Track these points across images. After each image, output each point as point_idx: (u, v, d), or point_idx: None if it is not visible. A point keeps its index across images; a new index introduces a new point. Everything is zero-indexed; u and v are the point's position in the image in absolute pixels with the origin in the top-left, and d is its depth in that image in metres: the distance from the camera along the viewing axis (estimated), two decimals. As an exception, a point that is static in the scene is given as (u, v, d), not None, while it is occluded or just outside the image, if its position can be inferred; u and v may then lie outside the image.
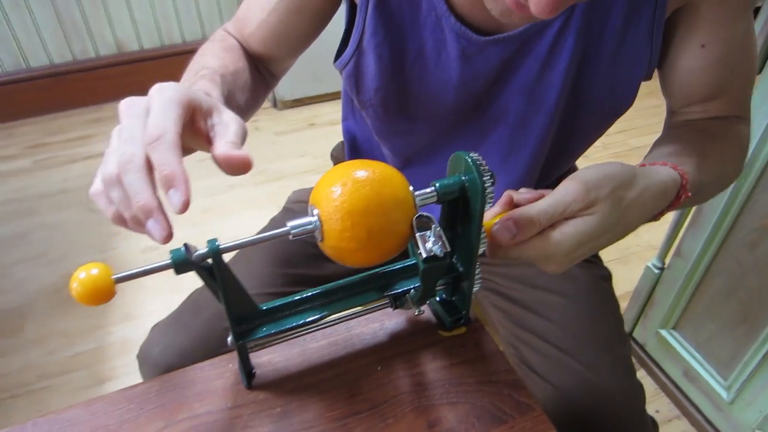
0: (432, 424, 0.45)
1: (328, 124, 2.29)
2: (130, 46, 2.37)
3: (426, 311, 0.54)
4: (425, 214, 0.41)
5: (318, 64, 2.10)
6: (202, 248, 0.38)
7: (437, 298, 0.53)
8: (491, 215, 0.48)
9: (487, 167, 0.42)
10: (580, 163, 0.72)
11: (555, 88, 0.62)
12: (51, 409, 1.34)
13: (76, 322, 1.55)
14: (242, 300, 0.42)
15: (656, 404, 1.32)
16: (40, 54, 2.26)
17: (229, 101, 0.56)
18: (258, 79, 0.69)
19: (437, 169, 0.75)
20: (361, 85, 0.68)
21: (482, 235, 0.45)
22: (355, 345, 0.51)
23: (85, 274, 0.35)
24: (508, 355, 0.80)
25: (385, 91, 0.66)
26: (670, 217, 1.21)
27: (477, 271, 0.48)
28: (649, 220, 0.53)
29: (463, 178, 0.43)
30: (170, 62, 2.44)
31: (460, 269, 0.48)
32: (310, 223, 0.39)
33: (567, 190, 0.46)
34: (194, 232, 1.83)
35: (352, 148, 0.89)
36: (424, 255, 0.39)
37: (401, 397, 0.47)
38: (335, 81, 1.47)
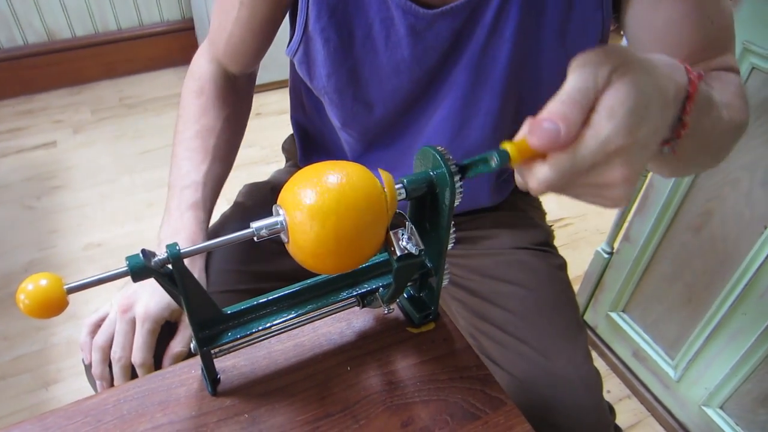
0: (405, 423, 0.44)
1: (276, 114, 2.25)
2: (62, 34, 2.25)
3: (394, 308, 0.53)
4: (398, 211, 0.40)
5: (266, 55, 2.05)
6: (161, 253, 0.35)
7: (405, 295, 0.52)
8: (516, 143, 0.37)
9: (455, 161, 0.41)
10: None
11: (502, 59, 0.61)
12: (-6, 415, 1.28)
13: (16, 323, 1.48)
14: (205, 305, 0.40)
15: (607, 384, 1.36)
16: (-38, 42, 2.12)
17: (220, 186, 0.75)
18: (236, 119, 0.78)
19: (399, 150, 0.74)
20: (313, 71, 0.67)
21: (451, 231, 0.44)
22: (323, 345, 0.49)
23: (33, 286, 0.32)
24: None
25: (337, 75, 0.65)
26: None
27: (446, 267, 0.47)
28: (673, 129, 0.42)
29: (432, 173, 0.42)
30: (105, 50, 2.32)
31: (429, 265, 0.47)
32: (276, 224, 0.37)
33: (581, 62, 0.37)
34: (140, 227, 1.77)
35: (304, 141, 0.87)
36: (398, 253, 0.38)
37: (373, 396, 0.46)
38: (282, 69, 1.44)
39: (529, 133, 0.35)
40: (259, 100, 2.31)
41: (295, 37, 0.65)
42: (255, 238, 0.38)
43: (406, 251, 0.38)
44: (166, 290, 0.37)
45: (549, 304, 0.74)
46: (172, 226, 0.68)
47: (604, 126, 0.35)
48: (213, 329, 0.42)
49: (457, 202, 0.42)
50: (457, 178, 0.40)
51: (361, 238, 0.37)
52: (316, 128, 0.84)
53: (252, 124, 0.85)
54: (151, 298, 0.62)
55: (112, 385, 0.63)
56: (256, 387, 0.46)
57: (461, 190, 0.41)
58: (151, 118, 2.23)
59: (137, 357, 0.60)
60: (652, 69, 0.38)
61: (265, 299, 0.43)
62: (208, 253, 0.74)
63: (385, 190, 0.39)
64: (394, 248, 0.38)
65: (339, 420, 0.44)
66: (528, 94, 0.66)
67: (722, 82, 0.56)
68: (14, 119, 2.21)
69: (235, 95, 0.78)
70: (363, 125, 0.72)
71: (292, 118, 0.88)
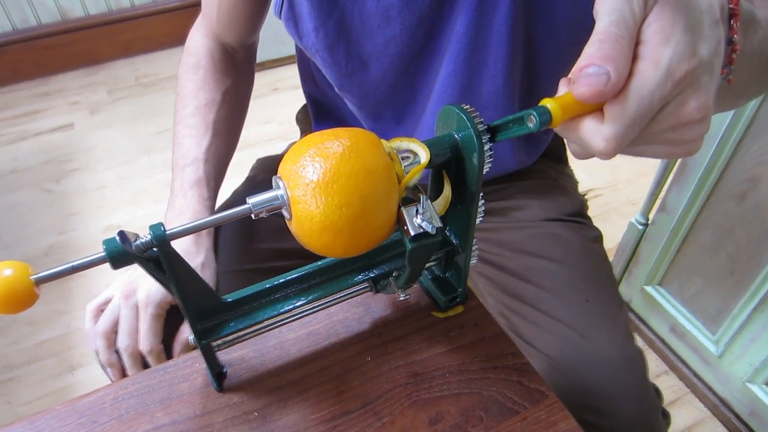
0: (434, 420, 0.39)
1: (293, 88, 2.19)
2: (75, 13, 2.21)
3: (417, 290, 0.48)
4: (419, 183, 0.35)
5: (278, 26, 1.98)
6: (144, 235, 0.31)
7: (429, 276, 0.47)
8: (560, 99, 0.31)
9: (482, 120, 0.35)
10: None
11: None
12: (20, 400, 1.29)
13: (39, 309, 1.48)
14: (201, 292, 0.35)
15: (643, 361, 1.31)
16: (-25, 25, 2.10)
17: (224, 164, 0.72)
18: (236, 93, 0.75)
19: (410, 117, 0.69)
20: (300, 28, 0.63)
21: (480, 202, 0.39)
22: (339, 333, 0.45)
23: (-5, 277, 0.28)
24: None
25: (325, 28, 0.60)
26: (652, 172, 1.17)
27: (473, 243, 0.42)
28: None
29: (456, 135, 0.37)
30: (120, 28, 2.28)
31: (455, 242, 0.42)
32: (275, 198, 0.32)
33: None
34: (159, 208, 1.74)
35: (318, 112, 0.82)
36: (412, 232, 0.33)
37: (396, 390, 0.41)
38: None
39: (575, 84, 0.30)
40: (276, 75, 2.25)
41: None
42: (252, 216, 0.33)
43: (421, 230, 0.33)
44: (154, 278, 0.32)
45: (585, 280, 0.69)
46: (177, 207, 0.65)
47: (661, 53, 0.29)
48: (212, 320, 0.37)
49: (486, 168, 0.36)
50: (485, 139, 0.34)
51: (375, 216, 0.32)
52: (329, 99, 0.80)
53: (269, 100, 0.82)
54: (154, 281, 0.58)
55: (124, 371, 0.60)
56: (267, 381, 0.42)
57: (491, 153, 0.35)
58: (168, 97, 2.19)
59: (144, 344, 0.57)
60: None
61: (270, 284, 0.39)
62: (215, 232, 0.70)
63: (405, 156, 0.34)
64: (407, 227, 0.33)
65: (359, 418, 0.39)
66: (540, 33, 0.59)
67: None
68: (31, 102, 2.19)
69: (234, 69, 0.76)
70: (361, 87, 0.67)
71: (304, 90, 0.84)
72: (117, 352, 0.59)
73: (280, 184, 0.33)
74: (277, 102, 2.11)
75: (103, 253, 0.30)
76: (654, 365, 1.30)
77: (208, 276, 0.64)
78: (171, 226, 0.31)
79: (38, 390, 1.32)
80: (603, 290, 0.69)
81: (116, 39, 2.31)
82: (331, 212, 0.31)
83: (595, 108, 0.31)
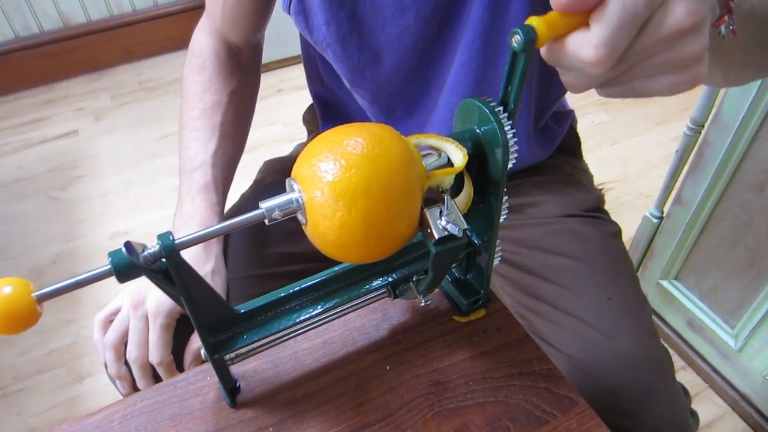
0: (458, 431, 0.37)
1: (297, 89, 2.17)
2: (77, 19, 2.20)
3: (437, 294, 0.46)
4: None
5: (281, 26, 1.98)
6: (151, 246, 0.29)
7: (449, 278, 0.45)
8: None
9: (506, 114, 0.33)
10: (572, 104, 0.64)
11: None
12: (30, 411, 1.28)
13: (48, 318, 1.47)
14: (213, 304, 0.33)
15: (661, 357, 1.29)
16: (-22, 34, 2.09)
17: (232, 167, 0.71)
18: (242, 94, 0.74)
19: (424, 111, 0.68)
20: (311, 22, 0.61)
21: (504, 199, 0.37)
22: (357, 341, 0.43)
23: (-5, 295, 0.26)
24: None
25: (337, 21, 0.59)
26: (664, 164, 1.15)
27: (497, 243, 0.40)
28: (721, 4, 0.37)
29: (478, 130, 0.35)
30: (122, 33, 2.27)
31: (477, 242, 0.40)
32: (290, 203, 0.30)
33: None
34: (165, 213, 1.73)
35: (325, 110, 0.81)
36: (436, 235, 0.31)
37: (418, 401, 0.39)
38: (301, 42, 1.37)
39: None
40: (279, 76, 2.24)
41: None
42: (266, 221, 0.31)
43: (446, 233, 0.31)
44: (163, 290, 0.31)
45: (606, 276, 0.67)
46: (185, 212, 0.64)
47: None
48: (225, 332, 0.35)
49: (511, 164, 0.34)
50: (510, 134, 0.32)
51: (398, 220, 0.30)
52: (336, 98, 0.78)
53: (273, 101, 0.80)
54: None
55: (133, 383, 0.58)
56: (282, 394, 0.40)
57: (516, 149, 0.33)
58: (172, 101, 2.18)
59: (154, 356, 0.56)
60: None
61: (285, 293, 0.37)
62: (225, 238, 0.68)
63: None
64: (431, 230, 0.31)
65: (380, 430, 0.38)
66: None
67: None
68: (36, 109, 2.19)
69: (240, 70, 0.74)
70: (374, 81, 0.65)
71: (310, 90, 0.82)
72: (126, 363, 0.58)
73: (295, 186, 0.31)
74: (281, 103, 2.09)
75: (109, 266, 0.28)
76: (671, 361, 1.28)
77: (218, 283, 0.63)
78: (179, 233, 0.30)
79: (48, 400, 1.31)
80: (625, 287, 0.67)
81: (119, 44, 2.30)
82: (351, 217, 0.29)
83: (580, 24, 0.29)
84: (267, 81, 2.23)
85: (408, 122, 0.69)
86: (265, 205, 0.30)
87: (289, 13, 0.63)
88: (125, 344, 0.58)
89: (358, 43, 0.61)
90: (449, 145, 0.34)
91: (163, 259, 0.29)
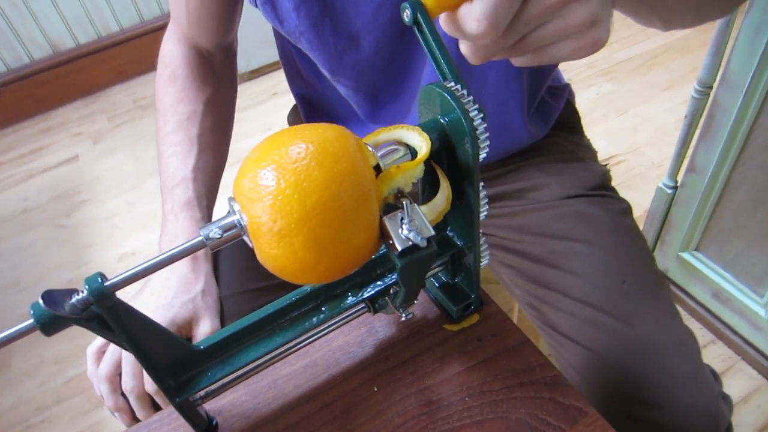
0: (456, 456, 0.34)
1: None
2: (65, 44, 2.19)
3: (424, 301, 0.42)
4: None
5: (268, 29, 1.94)
6: (79, 292, 0.25)
7: (436, 283, 0.41)
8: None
9: (471, 98, 0.30)
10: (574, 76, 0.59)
11: None
12: (55, 440, 1.29)
13: (64, 346, 1.48)
14: (167, 344, 0.30)
15: (688, 332, 1.24)
16: (-30, 69, 2.09)
17: (215, 179, 0.68)
18: (219, 101, 0.71)
19: (410, 96, 0.65)
20: (280, 11, 0.58)
21: (482, 194, 0.33)
22: (340, 362, 0.39)
23: None
24: (527, 317, 0.70)
25: (306, 5, 0.56)
26: (675, 130, 1.10)
27: (482, 241, 0.36)
28: None
29: (442, 120, 0.31)
30: (112, 53, 2.26)
31: (459, 243, 0.36)
32: (232, 225, 0.27)
33: None
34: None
35: (308, 109, 0.78)
36: (399, 246, 0.27)
37: (410, 424, 0.35)
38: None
39: None
40: (272, 79, 2.21)
41: None
42: (209, 248, 0.27)
43: (409, 242, 0.27)
44: (105, 338, 0.27)
45: (619, 258, 0.63)
46: (170, 232, 0.61)
47: None
48: (186, 372, 0.32)
49: (483, 155, 0.30)
50: (478, 120, 0.28)
51: (353, 237, 0.26)
52: (318, 94, 0.75)
53: (269, 106, 0.78)
54: (153, 314, 0.56)
55: (133, 414, 0.56)
56: (262, 428, 0.37)
57: (487, 135, 0.29)
58: (168, 116, 2.16)
59: (149, 384, 0.53)
60: None
61: (249, 322, 0.33)
62: (215, 255, 0.65)
63: (381, 153, 0.28)
64: (393, 241, 0.27)
65: (369, 461, 0.34)
66: None
67: None
68: (35, 139, 2.19)
69: (214, 76, 0.71)
70: (355, 68, 0.62)
71: (291, 90, 0.79)
72: (123, 394, 0.56)
73: (235, 207, 0.27)
74: (276, 107, 2.07)
75: (32, 321, 0.25)
76: (699, 335, 1.23)
77: (210, 303, 0.60)
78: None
79: (70, 429, 1.31)
80: (640, 267, 0.63)
81: (110, 65, 2.29)
82: (298, 237, 0.25)
83: None
84: (260, 86, 2.20)
85: (393, 107, 0.66)
86: (204, 230, 0.27)
87: (257, 6, 0.60)
88: (120, 375, 0.55)
89: (333, 27, 0.58)
90: (414, 134, 0.30)
91: (93, 307, 0.26)
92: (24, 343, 1.45)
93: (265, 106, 2.08)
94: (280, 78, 2.21)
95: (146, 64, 2.35)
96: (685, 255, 1.20)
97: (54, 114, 2.27)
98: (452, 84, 0.30)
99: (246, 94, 2.17)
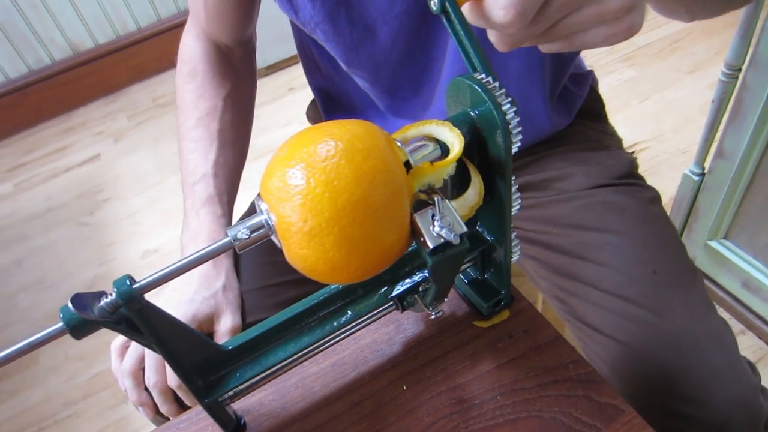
0: (489, 455, 0.33)
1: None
2: (85, 45, 2.21)
3: (453, 298, 0.42)
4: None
5: (284, 24, 1.93)
6: (107, 295, 0.25)
7: (465, 279, 0.40)
8: None
9: (503, 90, 0.29)
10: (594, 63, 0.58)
11: None
12: (82, 436, 1.31)
13: (89, 342, 1.49)
14: (195, 344, 0.30)
15: (717, 322, 1.22)
16: (-7, 71, 2.13)
17: (235, 175, 0.68)
18: (239, 97, 0.71)
19: (429, 88, 0.64)
20: (295, 1, 0.58)
21: (514, 188, 0.32)
22: (369, 360, 0.39)
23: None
24: (554, 309, 0.69)
25: None
26: (700, 116, 1.07)
27: (513, 235, 0.35)
28: None
29: (472, 112, 0.30)
30: (131, 53, 2.28)
31: (489, 238, 0.35)
32: (260, 225, 0.26)
33: None
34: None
35: (326, 103, 0.77)
36: (430, 244, 0.26)
37: (441, 423, 0.35)
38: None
39: None
40: (289, 74, 2.21)
41: None
42: (237, 249, 0.27)
43: (441, 240, 0.26)
44: (134, 341, 0.27)
45: (649, 249, 0.62)
46: (191, 228, 0.61)
47: None
48: (216, 372, 0.32)
49: (515, 147, 0.29)
50: (511, 114, 0.27)
51: (384, 233, 0.26)
52: (336, 87, 0.75)
53: (286, 101, 0.77)
54: (175, 310, 0.55)
55: (156, 409, 0.56)
56: (291, 427, 0.36)
57: (519, 130, 0.29)
58: (187, 113, 2.18)
59: (172, 379, 0.54)
60: None
61: (277, 322, 0.33)
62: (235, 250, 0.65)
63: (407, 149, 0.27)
64: (424, 238, 0.26)
65: (401, 461, 0.34)
66: None
67: None
68: (58, 139, 2.22)
69: (233, 71, 0.71)
70: (371, 59, 0.61)
71: (309, 83, 0.78)
72: (147, 389, 0.56)
73: (263, 207, 0.27)
74: (294, 101, 2.07)
75: (61, 324, 0.25)
76: (730, 325, 1.21)
77: (231, 298, 0.60)
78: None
79: (97, 424, 1.33)
80: (671, 257, 0.62)
81: (129, 64, 2.31)
82: (329, 237, 0.25)
83: None
84: (277, 81, 2.20)
85: (414, 101, 0.65)
86: (232, 230, 0.26)
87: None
88: (143, 370, 0.56)
89: (348, 17, 0.57)
90: (444, 129, 0.30)
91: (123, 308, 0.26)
92: (52, 340, 1.49)
93: (282, 101, 2.08)
94: (296, 73, 2.21)
95: (164, 62, 2.37)
96: (713, 243, 1.17)
97: (76, 114, 2.30)
98: (482, 75, 0.29)
99: (263, 89, 2.17)
